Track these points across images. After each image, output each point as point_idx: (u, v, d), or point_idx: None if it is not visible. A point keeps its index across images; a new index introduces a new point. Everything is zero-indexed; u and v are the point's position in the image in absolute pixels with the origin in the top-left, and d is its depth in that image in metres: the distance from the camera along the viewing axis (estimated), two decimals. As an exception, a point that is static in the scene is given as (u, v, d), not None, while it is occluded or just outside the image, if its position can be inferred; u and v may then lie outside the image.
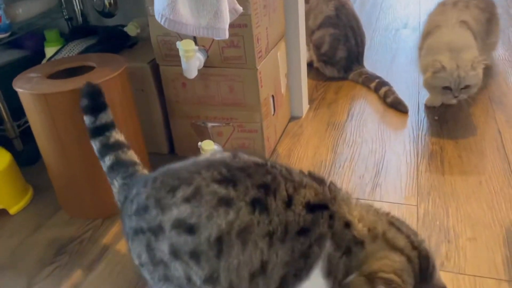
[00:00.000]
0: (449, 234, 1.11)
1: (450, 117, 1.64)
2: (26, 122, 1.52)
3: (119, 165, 0.90)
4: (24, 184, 1.39)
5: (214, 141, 1.42)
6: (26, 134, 1.50)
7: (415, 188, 1.28)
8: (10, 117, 1.46)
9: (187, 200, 0.65)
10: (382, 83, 1.84)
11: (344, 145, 1.52)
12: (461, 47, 1.52)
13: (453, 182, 1.30)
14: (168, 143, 1.56)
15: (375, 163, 1.41)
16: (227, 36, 0.99)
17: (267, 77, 1.40)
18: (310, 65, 2.03)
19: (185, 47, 1.19)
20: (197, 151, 1.40)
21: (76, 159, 1.20)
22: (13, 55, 1.63)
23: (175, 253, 0.66)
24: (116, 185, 0.88)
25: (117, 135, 0.96)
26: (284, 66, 1.59)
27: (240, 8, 1.07)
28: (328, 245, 0.65)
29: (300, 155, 1.49)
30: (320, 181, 0.72)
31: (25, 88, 1.13)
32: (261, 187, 0.65)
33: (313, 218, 0.66)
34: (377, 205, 1.22)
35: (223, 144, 1.45)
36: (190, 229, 0.64)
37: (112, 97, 1.19)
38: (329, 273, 0.66)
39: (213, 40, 1.28)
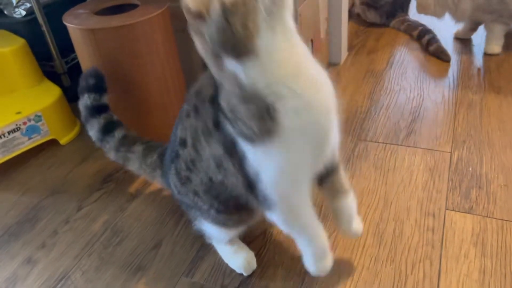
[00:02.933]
0: (480, 181, 1.12)
1: (494, 67, 1.59)
2: (74, 59, 1.60)
3: (132, 137, 1.03)
4: (73, 117, 1.48)
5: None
6: (73, 71, 1.58)
7: (450, 135, 1.28)
8: (59, 54, 1.53)
9: (182, 120, 0.81)
10: (425, 31, 1.78)
11: (381, 93, 1.52)
12: None
13: (490, 131, 1.28)
14: (206, 84, 1.60)
15: (412, 111, 1.41)
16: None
17: (307, 21, 1.39)
18: (350, 11, 1.98)
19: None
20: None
21: (121, 92, 1.26)
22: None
23: (189, 166, 0.81)
24: (137, 150, 1.00)
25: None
26: (325, 9, 1.57)
27: None
28: (229, 126, 0.71)
29: (336, 101, 1.50)
30: None
31: (74, 23, 1.19)
32: (197, 93, 0.77)
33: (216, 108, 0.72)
34: (410, 150, 1.24)
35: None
36: (184, 143, 0.81)
37: (155, 35, 1.23)
38: (243, 136, 0.69)
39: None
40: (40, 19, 1.47)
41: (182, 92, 1.40)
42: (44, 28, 1.48)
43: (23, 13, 1.53)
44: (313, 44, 1.48)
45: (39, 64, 1.50)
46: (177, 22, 1.43)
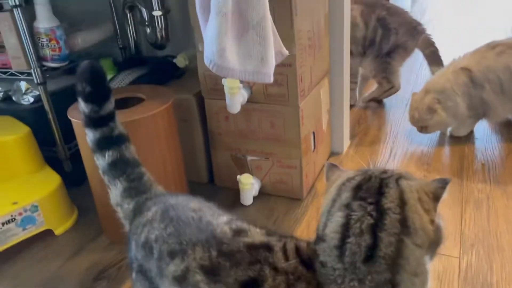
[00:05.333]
0: (492, 292, 1.06)
1: (499, 162, 1.58)
2: (76, 145, 1.61)
3: (123, 163, 0.80)
4: (71, 206, 1.46)
5: (253, 175, 1.44)
6: (76, 156, 1.58)
7: (458, 238, 1.24)
8: (62, 141, 1.54)
9: (176, 280, 0.62)
10: None
11: (384, 186, 1.49)
12: (434, 88, 1.66)
13: (498, 233, 1.24)
14: (208, 172, 1.59)
15: (416, 207, 1.37)
16: (271, 80, 1.01)
17: (309, 114, 1.41)
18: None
19: (230, 84, 1.22)
20: (235, 182, 1.42)
21: (120, 187, 1.24)
22: (69, 80, 1.72)
23: None
24: (119, 187, 0.80)
25: (121, 127, 0.84)
26: (327, 102, 1.59)
27: (286, 52, 1.10)
28: None
29: (339, 193, 1.48)
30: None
31: (79, 118, 1.19)
32: (243, 285, 0.57)
33: None
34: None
35: (262, 178, 1.46)
36: None
37: (158, 128, 1.24)
38: None
39: (258, 77, 1.31)
40: (47, 107, 1.50)
41: (182, 182, 1.38)
42: (50, 115, 1.50)
43: (31, 100, 1.56)
44: (315, 136, 1.48)
45: (41, 149, 1.50)
46: (180, 112, 1.46)
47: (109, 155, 0.81)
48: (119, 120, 0.85)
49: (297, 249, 0.59)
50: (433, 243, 0.55)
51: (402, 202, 0.54)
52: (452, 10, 3.81)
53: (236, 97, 1.26)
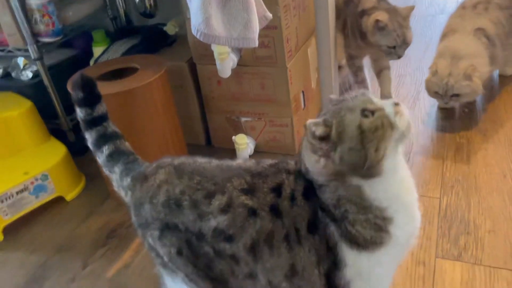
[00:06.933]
0: (469, 226, 1.16)
1: (480, 109, 1.65)
2: (78, 116, 1.68)
3: (119, 153, 0.90)
4: (78, 173, 1.55)
5: (247, 135, 1.52)
6: (77, 126, 1.66)
7: (439, 181, 1.33)
8: (64, 112, 1.61)
9: (223, 210, 0.73)
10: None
11: (372, 137, 1.58)
12: (464, 55, 1.50)
13: (477, 175, 1.34)
14: (205, 135, 1.67)
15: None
16: (256, 44, 1.07)
17: (297, 74, 1.47)
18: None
19: (219, 50, 1.28)
20: (232, 143, 1.51)
21: (123, 153, 1.33)
22: (64, 54, 1.77)
23: (219, 254, 0.75)
24: (117, 171, 0.88)
25: (113, 126, 0.94)
26: (315, 61, 1.65)
27: (269, 15, 1.15)
28: (332, 228, 0.69)
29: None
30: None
31: (78, 90, 1.26)
32: (273, 190, 0.72)
33: (312, 205, 0.70)
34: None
35: (256, 137, 1.55)
36: (229, 238, 0.73)
37: (154, 96, 1.31)
38: (351, 241, 0.69)
39: (246, 41, 1.36)
40: (46, 81, 1.56)
41: (180, 145, 1.46)
42: (50, 89, 1.57)
43: (30, 75, 1.62)
44: (304, 94, 1.56)
45: (45, 122, 1.58)
46: (175, 78, 1.52)
47: (106, 149, 0.91)
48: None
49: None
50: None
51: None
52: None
53: (226, 62, 1.32)
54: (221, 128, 1.59)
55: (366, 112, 0.64)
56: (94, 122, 0.92)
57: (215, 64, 1.36)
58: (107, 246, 1.28)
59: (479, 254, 1.08)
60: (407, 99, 1.79)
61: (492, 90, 1.75)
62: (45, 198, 1.42)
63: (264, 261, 0.72)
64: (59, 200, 1.47)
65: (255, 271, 0.74)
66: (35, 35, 1.50)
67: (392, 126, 0.64)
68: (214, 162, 0.81)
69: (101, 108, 0.92)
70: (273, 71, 1.40)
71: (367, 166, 0.63)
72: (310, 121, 0.64)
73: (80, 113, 0.92)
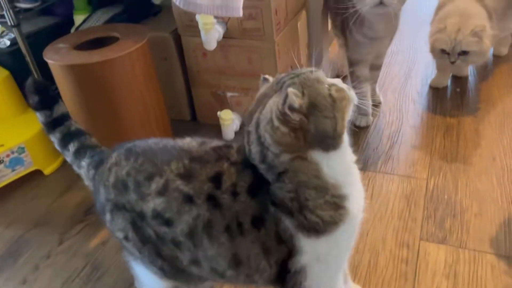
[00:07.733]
0: (455, 209, 1.14)
1: (472, 89, 1.62)
2: (57, 87, 1.62)
3: (85, 149, 0.89)
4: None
5: (232, 111, 1.47)
6: (58, 95, 1.60)
7: (427, 161, 1.30)
8: (42, 83, 1.55)
9: (159, 193, 0.71)
10: None
11: (361, 116, 1.54)
12: (473, 15, 1.46)
13: (466, 156, 1.31)
14: (190, 110, 1.62)
15: (390, 136, 1.43)
16: (241, 14, 1.01)
17: (286, 49, 1.42)
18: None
19: (204, 20, 1.22)
20: (217, 119, 1.46)
21: (102, 126, 1.28)
22: (44, 21, 1.69)
23: (161, 238, 0.74)
24: (84, 165, 0.87)
25: (77, 125, 0.93)
26: (305, 36, 1.60)
27: (256, -17, 1.09)
28: (287, 222, 0.68)
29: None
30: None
31: (54, 59, 1.21)
32: (212, 179, 0.70)
33: (259, 202, 0.69)
34: (387, 177, 1.26)
35: (242, 113, 1.50)
36: (167, 222, 0.71)
37: (135, 68, 1.26)
38: (309, 230, 0.68)
39: (232, 11, 1.30)
40: (24, 50, 1.49)
41: (164, 121, 1.42)
42: (27, 58, 1.50)
43: (8, 43, 1.55)
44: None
45: (23, 92, 1.51)
46: (159, 50, 1.46)
47: (71, 147, 0.90)
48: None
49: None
50: None
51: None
52: None
53: (211, 33, 1.26)
54: (207, 103, 1.54)
55: (328, 85, 0.66)
56: (56, 123, 0.92)
57: (200, 36, 1.30)
58: (84, 222, 1.24)
59: (464, 237, 1.06)
60: (398, 77, 1.75)
61: (485, 70, 1.71)
62: (21, 171, 1.37)
63: (205, 249, 0.71)
64: (36, 173, 1.42)
65: (196, 258, 0.73)
66: (11, 0, 1.43)
67: (349, 98, 0.67)
68: (164, 142, 0.78)
69: (60, 109, 0.92)
70: (260, 45, 1.35)
71: (335, 135, 0.65)
72: (291, 89, 0.61)
73: (40, 117, 0.92)
